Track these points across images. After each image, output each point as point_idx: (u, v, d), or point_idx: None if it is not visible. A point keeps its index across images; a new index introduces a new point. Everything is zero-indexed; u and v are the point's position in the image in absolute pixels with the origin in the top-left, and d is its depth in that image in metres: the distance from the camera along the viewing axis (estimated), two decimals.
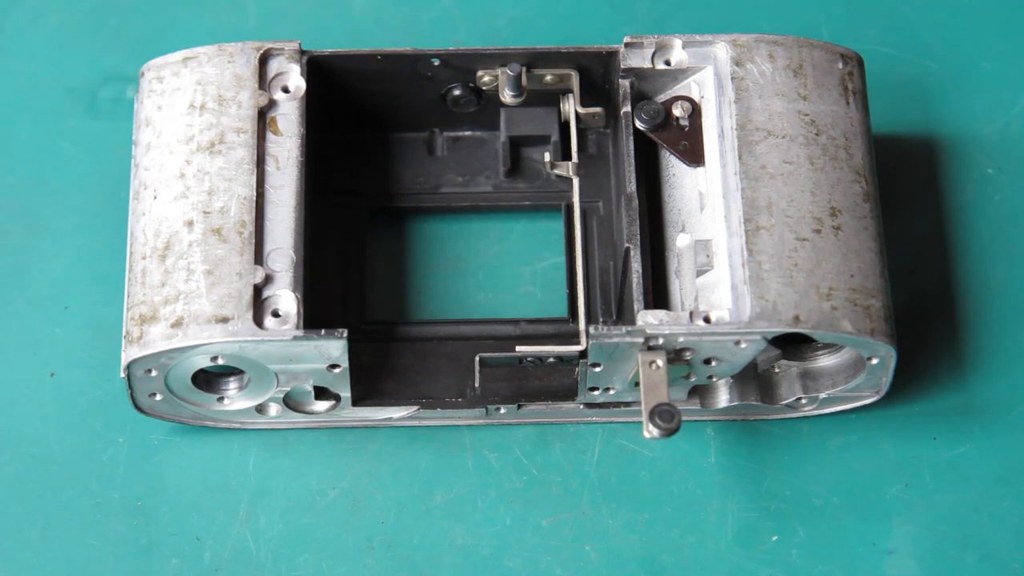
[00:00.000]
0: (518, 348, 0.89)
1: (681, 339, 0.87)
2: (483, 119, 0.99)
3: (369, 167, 0.99)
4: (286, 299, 0.88)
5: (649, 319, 0.87)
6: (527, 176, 1.00)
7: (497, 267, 0.99)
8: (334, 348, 0.87)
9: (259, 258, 0.88)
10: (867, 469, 0.94)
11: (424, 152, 1.00)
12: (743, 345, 0.87)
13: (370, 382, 0.94)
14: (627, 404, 0.93)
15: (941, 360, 0.97)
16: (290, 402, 0.92)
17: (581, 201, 0.95)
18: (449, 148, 1.00)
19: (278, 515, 0.93)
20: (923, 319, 0.97)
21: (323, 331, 0.87)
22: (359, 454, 0.94)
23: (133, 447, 0.94)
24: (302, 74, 0.93)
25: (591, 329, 0.87)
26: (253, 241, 0.88)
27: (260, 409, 0.93)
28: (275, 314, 0.87)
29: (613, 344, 0.87)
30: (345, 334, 0.87)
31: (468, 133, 1.00)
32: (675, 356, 0.88)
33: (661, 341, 0.87)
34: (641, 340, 0.87)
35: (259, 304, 0.88)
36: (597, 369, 0.89)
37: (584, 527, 0.93)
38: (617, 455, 0.95)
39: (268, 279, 0.88)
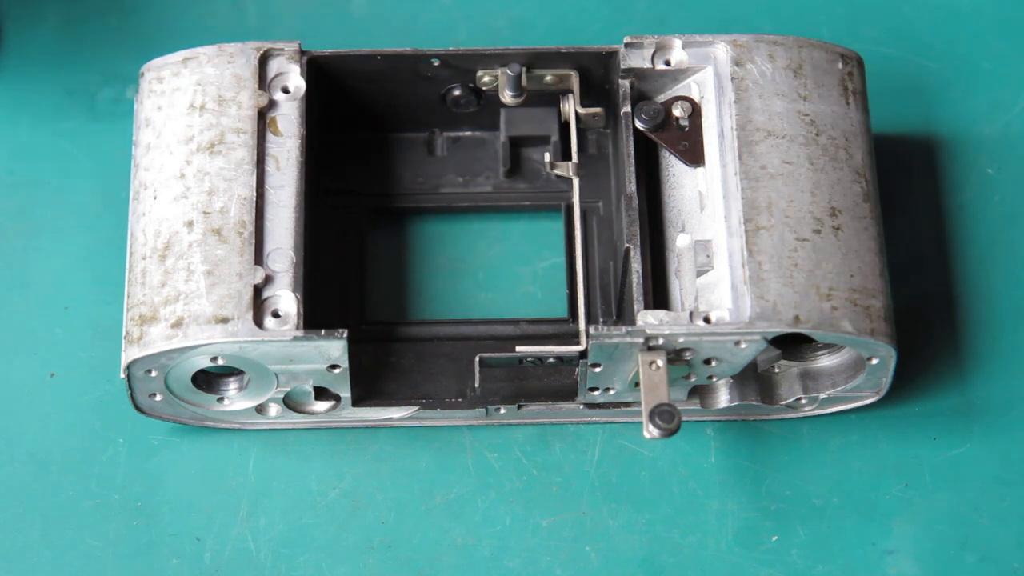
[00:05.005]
0: (518, 348, 0.89)
1: (681, 339, 0.87)
2: (483, 119, 0.99)
3: (369, 167, 0.99)
4: (286, 299, 0.88)
5: (649, 319, 0.87)
6: (527, 176, 1.00)
7: (497, 267, 0.99)
8: (334, 348, 0.87)
9: (259, 258, 0.88)
10: (867, 469, 0.94)
11: (424, 152, 1.00)
12: (743, 345, 0.87)
13: (370, 382, 0.94)
14: (627, 404, 0.93)
15: (941, 360, 0.97)
16: (290, 402, 0.92)
17: (581, 201, 0.95)
18: (449, 148, 1.00)
19: (278, 515, 0.93)
20: (923, 319, 0.97)
21: (323, 331, 0.87)
22: (359, 454, 0.94)
23: (133, 447, 0.94)
24: (302, 74, 0.93)
25: (591, 329, 0.87)
26: (253, 241, 0.88)
27: (260, 409, 0.93)
28: (275, 314, 0.88)
29: (613, 344, 0.87)
30: (345, 334, 0.87)
31: (468, 133, 1.00)
32: (675, 356, 0.88)
33: (661, 341, 0.87)
34: (641, 340, 0.87)
35: (259, 304, 0.88)
36: (597, 369, 0.89)
37: (584, 527, 0.93)
38: (617, 455, 0.95)
39: (268, 279, 0.88)
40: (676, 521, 0.93)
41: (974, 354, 0.97)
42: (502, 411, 0.94)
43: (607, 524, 0.93)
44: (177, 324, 0.87)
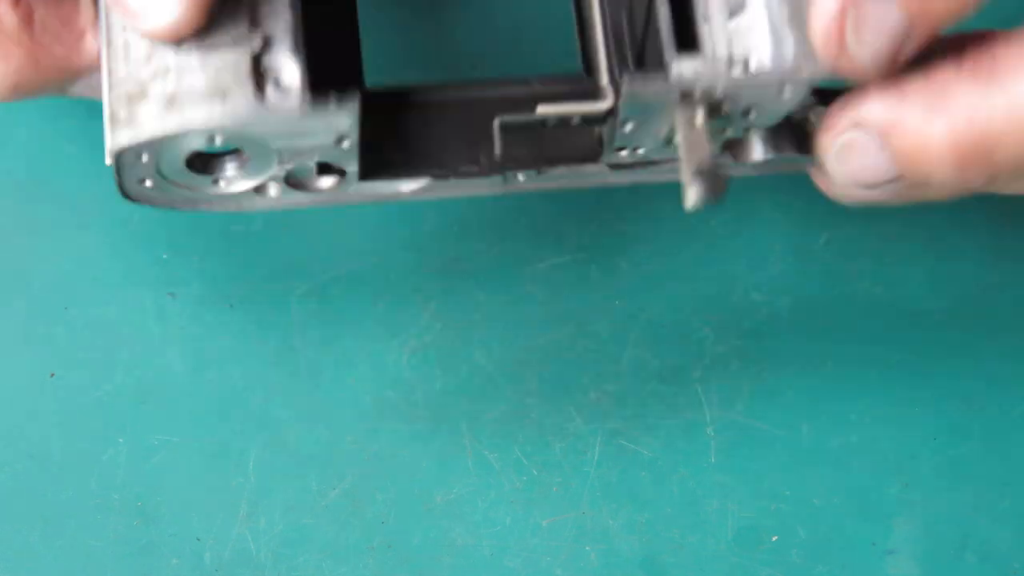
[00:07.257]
0: (540, 108, 0.80)
1: (720, 89, 0.77)
2: None
3: None
4: (287, 66, 0.78)
5: (684, 67, 0.76)
6: None
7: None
8: (344, 118, 0.78)
9: (254, 20, 0.78)
10: (867, 469, 0.94)
11: None
12: (787, 93, 0.77)
13: (376, 153, 0.83)
14: (654, 163, 0.84)
15: (941, 360, 0.97)
16: (292, 180, 0.84)
17: None
18: None
19: (278, 515, 0.93)
20: (923, 319, 0.98)
21: (332, 100, 0.77)
22: (359, 454, 0.94)
23: (133, 447, 0.94)
24: None
25: (625, 79, 0.77)
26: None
27: (259, 190, 0.85)
28: (276, 83, 0.77)
29: (648, 97, 0.77)
30: (358, 101, 0.77)
31: None
32: (712, 110, 0.78)
33: (699, 92, 0.77)
34: (678, 91, 0.77)
35: (258, 73, 0.77)
36: (627, 127, 0.80)
37: (584, 527, 0.93)
38: (617, 455, 0.95)
39: (266, 44, 0.78)
40: (676, 521, 0.93)
41: (974, 354, 0.97)
42: (521, 179, 0.84)
43: (607, 524, 0.93)
44: (170, 101, 0.77)
